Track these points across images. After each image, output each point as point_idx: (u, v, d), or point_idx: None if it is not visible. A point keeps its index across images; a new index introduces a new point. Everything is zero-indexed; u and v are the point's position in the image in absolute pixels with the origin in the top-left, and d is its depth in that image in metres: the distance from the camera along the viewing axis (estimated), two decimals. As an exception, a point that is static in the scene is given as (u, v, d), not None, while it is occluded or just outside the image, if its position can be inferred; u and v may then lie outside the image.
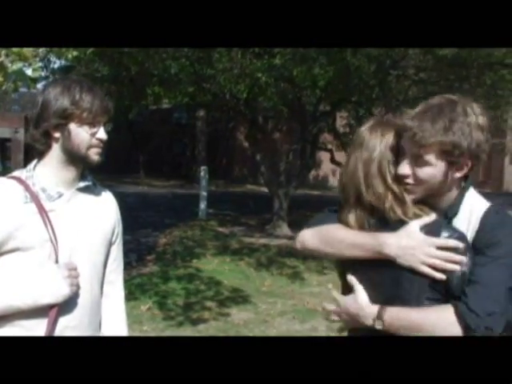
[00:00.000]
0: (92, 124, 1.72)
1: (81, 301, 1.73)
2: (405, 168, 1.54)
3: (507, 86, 11.77)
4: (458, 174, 1.55)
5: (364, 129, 1.64)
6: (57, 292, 1.63)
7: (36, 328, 1.65)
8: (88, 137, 1.72)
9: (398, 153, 1.57)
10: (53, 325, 1.66)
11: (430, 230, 1.50)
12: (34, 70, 4.12)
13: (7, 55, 3.74)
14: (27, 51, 3.79)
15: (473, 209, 1.56)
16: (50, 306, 1.64)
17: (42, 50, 5.37)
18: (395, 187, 1.57)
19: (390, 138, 1.59)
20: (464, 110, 1.51)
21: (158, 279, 7.37)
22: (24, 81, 4.04)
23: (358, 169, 1.60)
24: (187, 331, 5.40)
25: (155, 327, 5.54)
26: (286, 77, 10.46)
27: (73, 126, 1.70)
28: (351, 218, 1.65)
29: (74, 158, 1.73)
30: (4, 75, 3.68)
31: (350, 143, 1.71)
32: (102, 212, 1.85)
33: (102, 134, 1.74)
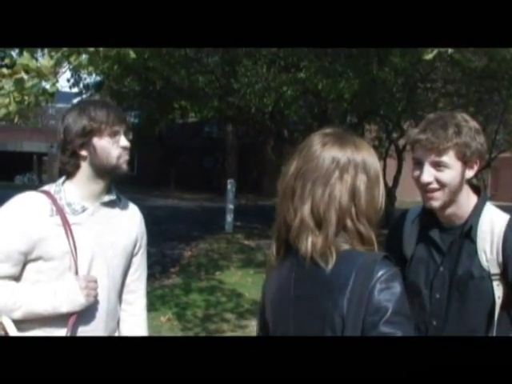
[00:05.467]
0: (112, 134, 1.82)
1: (98, 309, 1.84)
2: (426, 175, 1.69)
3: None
4: (471, 173, 1.73)
5: (315, 134, 1.38)
6: (74, 301, 1.75)
7: (56, 333, 1.77)
8: (113, 147, 1.82)
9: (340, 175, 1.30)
10: (72, 331, 1.77)
11: (365, 267, 1.24)
12: (52, 85, 4.26)
13: (27, 72, 3.89)
14: (45, 68, 3.93)
15: (493, 220, 1.71)
16: (70, 314, 1.76)
17: (64, 66, 5.55)
18: (309, 212, 1.28)
19: (330, 151, 1.31)
20: (463, 118, 1.72)
21: (180, 291, 7.43)
22: (42, 95, 4.18)
23: (287, 176, 1.35)
24: (204, 343, 5.43)
25: (173, 338, 5.60)
26: (311, 90, 10.49)
27: (96, 140, 1.81)
28: (272, 243, 1.40)
29: (104, 170, 1.83)
30: (21, 91, 3.81)
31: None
32: (124, 225, 1.94)
33: (123, 141, 1.84)
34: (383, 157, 16.96)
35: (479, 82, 11.12)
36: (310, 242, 1.27)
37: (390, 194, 15.39)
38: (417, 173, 1.73)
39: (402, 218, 1.91)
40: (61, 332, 1.76)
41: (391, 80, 10.24)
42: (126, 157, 1.86)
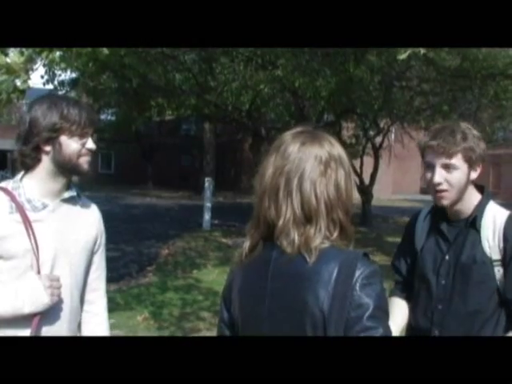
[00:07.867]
0: (81, 135, 1.80)
1: (62, 308, 1.79)
2: (437, 177, 1.92)
3: (511, 96, 11.74)
4: (474, 175, 1.96)
5: (288, 133, 1.41)
6: (38, 302, 1.69)
7: (19, 334, 1.70)
8: (79, 147, 1.80)
9: (323, 170, 1.35)
10: (36, 332, 1.71)
11: (347, 264, 1.28)
12: (22, 82, 4.20)
13: (-4, 68, 3.82)
14: (15, 64, 3.87)
15: (496, 213, 1.97)
16: (33, 315, 1.70)
17: (37, 63, 5.47)
18: (300, 208, 1.31)
19: (311, 149, 1.35)
20: (466, 126, 1.97)
21: (156, 289, 7.39)
22: (13, 92, 4.12)
23: (266, 175, 1.36)
24: (180, 341, 5.40)
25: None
26: (288, 88, 10.52)
27: (63, 139, 1.78)
28: (247, 241, 1.41)
29: (64, 168, 1.80)
30: (-11, 86, 3.75)
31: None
32: (84, 222, 1.91)
33: (90, 144, 1.84)
34: (360, 155, 17.12)
35: (453, 81, 11.28)
36: (297, 237, 1.31)
37: (367, 191, 15.51)
38: (428, 175, 1.97)
39: (415, 216, 2.18)
40: (24, 333, 1.71)
41: (368, 78, 10.30)
42: (88, 158, 1.84)
